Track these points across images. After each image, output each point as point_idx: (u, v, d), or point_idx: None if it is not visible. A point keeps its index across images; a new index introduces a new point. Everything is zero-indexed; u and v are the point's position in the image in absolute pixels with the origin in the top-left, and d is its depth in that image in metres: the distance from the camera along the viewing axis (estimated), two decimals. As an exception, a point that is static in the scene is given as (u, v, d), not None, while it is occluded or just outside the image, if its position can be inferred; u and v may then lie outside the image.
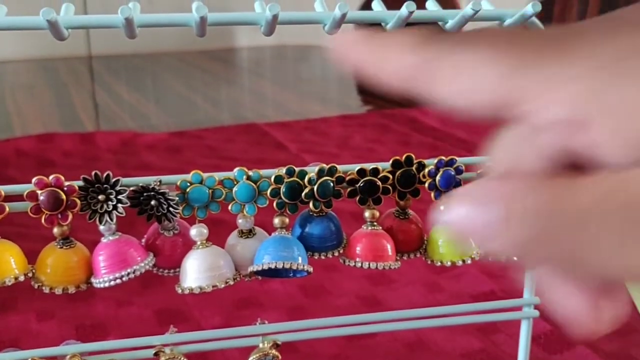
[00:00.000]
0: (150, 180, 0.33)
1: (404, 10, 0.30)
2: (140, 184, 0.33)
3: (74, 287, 0.34)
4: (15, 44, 2.20)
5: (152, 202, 0.33)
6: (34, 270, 0.34)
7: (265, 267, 0.34)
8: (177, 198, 0.33)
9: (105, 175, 0.32)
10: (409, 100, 0.18)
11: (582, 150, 0.15)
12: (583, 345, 0.49)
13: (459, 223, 0.16)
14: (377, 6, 0.32)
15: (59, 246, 0.34)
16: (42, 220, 0.32)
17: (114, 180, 0.32)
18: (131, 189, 0.33)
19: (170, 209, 0.33)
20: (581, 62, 0.15)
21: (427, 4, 0.32)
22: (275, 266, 0.33)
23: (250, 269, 0.34)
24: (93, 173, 0.32)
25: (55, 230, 0.33)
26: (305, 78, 1.99)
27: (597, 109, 0.15)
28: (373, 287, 0.59)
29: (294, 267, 0.34)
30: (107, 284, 0.33)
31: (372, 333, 0.51)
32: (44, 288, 0.33)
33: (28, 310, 0.55)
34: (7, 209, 0.32)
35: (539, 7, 0.31)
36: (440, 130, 1.17)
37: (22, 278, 0.33)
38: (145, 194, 0.33)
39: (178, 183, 0.33)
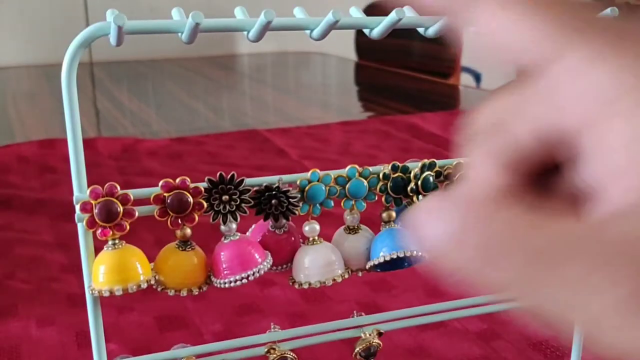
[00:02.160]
0: (271, 180, 0.34)
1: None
2: (265, 184, 0.33)
3: (197, 288, 0.34)
4: (17, 50, 2.21)
5: (273, 201, 0.33)
6: (155, 276, 0.33)
7: (387, 258, 0.35)
8: (298, 196, 0.34)
9: (229, 175, 0.33)
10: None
11: (568, 148, 0.14)
12: (584, 351, 0.49)
13: (418, 229, 0.15)
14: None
15: (180, 249, 0.34)
16: (168, 223, 0.33)
17: (237, 180, 0.33)
18: (254, 189, 0.33)
19: (290, 207, 0.34)
20: (623, 64, 0.13)
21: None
22: (397, 256, 0.35)
23: (370, 263, 0.36)
24: (218, 174, 0.33)
25: (178, 233, 0.33)
26: (306, 84, 1.99)
27: (626, 108, 0.13)
28: (373, 293, 0.59)
29: (412, 255, 0.35)
30: (231, 284, 0.33)
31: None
32: (168, 291, 0.34)
33: (28, 316, 0.55)
34: (137, 214, 0.32)
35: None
36: (440, 136, 1.17)
37: (144, 285, 0.32)
38: (267, 193, 0.33)
39: (298, 182, 0.34)
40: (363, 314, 0.39)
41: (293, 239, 0.36)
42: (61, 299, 0.58)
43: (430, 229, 0.15)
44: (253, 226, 0.37)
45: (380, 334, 0.39)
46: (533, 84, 0.15)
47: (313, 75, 2.18)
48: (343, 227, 0.37)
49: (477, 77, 2.60)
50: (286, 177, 0.34)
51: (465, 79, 2.57)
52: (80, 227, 0.32)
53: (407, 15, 0.32)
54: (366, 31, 0.33)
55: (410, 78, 1.95)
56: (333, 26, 0.30)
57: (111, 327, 0.54)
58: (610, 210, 0.13)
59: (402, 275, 0.62)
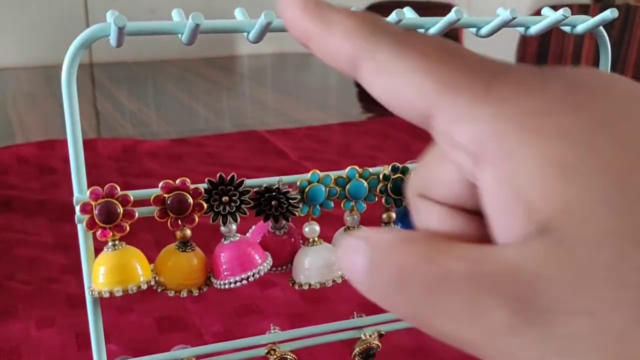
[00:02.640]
0: (271, 181, 0.34)
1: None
2: (265, 185, 0.33)
3: (196, 289, 0.34)
4: (17, 51, 2.21)
5: (273, 202, 0.33)
6: (155, 277, 0.33)
7: None
8: (298, 197, 0.34)
9: (229, 177, 0.33)
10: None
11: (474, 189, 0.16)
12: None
13: (339, 261, 0.17)
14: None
15: (180, 250, 0.34)
16: (169, 224, 0.32)
17: (237, 181, 0.33)
18: (254, 190, 0.33)
19: (290, 208, 0.34)
20: (500, 103, 0.14)
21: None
22: None
23: None
24: (218, 175, 0.32)
25: (178, 234, 0.33)
26: (306, 85, 1.99)
27: (495, 153, 0.14)
28: (373, 295, 0.59)
29: None
30: (231, 285, 0.33)
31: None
32: (168, 292, 0.34)
33: (28, 317, 0.55)
34: (137, 215, 0.32)
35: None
36: (440, 137, 1.17)
37: (144, 286, 0.32)
38: (267, 194, 0.33)
39: (298, 183, 0.34)
40: (363, 315, 0.39)
41: (293, 240, 0.36)
42: (61, 300, 0.58)
43: (346, 262, 0.16)
44: (253, 227, 0.37)
45: (381, 335, 0.39)
46: (437, 140, 0.16)
47: (313, 77, 2.18)
48: (343, 228, 0.37)
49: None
50: (286, 178, 0.34)
51: (465, 80, 2.57)
52: (80, 228, 0.32)
53: (407, 16, 0.32)
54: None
55: (410, 79, 1.95)
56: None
57: (111, 328, 0.54)
58: (494, 245, 0.15)
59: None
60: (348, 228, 0.37)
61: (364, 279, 0.16)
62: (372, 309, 0.56)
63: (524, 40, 2.27)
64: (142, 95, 1.77)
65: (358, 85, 1.96)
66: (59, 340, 0.52)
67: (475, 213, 0.18)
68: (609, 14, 0.32)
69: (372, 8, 1.96)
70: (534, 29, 0.34)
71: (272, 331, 0.38)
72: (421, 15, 0.33)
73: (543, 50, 2.19)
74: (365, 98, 1.76)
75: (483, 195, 0.15)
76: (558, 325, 0.13)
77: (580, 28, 0.35)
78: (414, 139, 1.16)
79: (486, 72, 0.15)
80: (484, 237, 0.17)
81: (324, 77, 2.14)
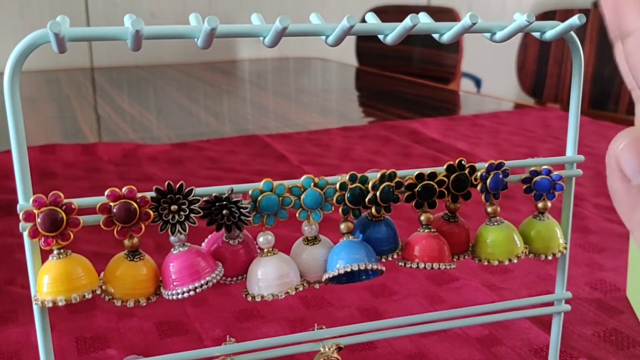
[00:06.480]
0: (222, 189, 0.33)
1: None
2: (214, 194, 0.33)
3: (144, 299, 0.33)
4: (18, 55, 2.21)
5: (224, 212, 0.33)
6: (102, 285, 0.33)
7: (342, 271, 0.34)
8: (249, 206, 0.33)
9: (178, 185, 0.32)
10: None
11: None
12: (585, 357, 0.49)
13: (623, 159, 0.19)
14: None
15: (128, 258, 0.33)
16: (115, 233, 0.32)
17: (186, 190, 0.32)
18: (204, 199, 0.33)
19: (242, 217, 0.33)
20: None
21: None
22: (351, 269, 0.34)
23: (326, 275, 0.35)
24: (166, 183, 0.32)
25: (126, 242, 0.33)
26: (307, 90, 1.99)
27: None
28: (374, 299, 0.58)
29: (369, 268, 0.34)
30: (179, 296, 0.33)
31: (373, 346, 0.51)
32: (115, 301, 0.33)
33: (28, 322, 0.55)
34: (82, 222, 0.32)
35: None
36: (441, 141, 1.17)
37: (89, 295, 0.32)
38: (217, 203, 0.33)
39: (250, 192, 0.33)
40: (324, 327, 0.38)
41: (250, 249, 0.35)
42: (61, 304, 0.58)
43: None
44: (210, 236, 0.36)
45: (339, 349, 0.38)
46: None
47: (313, 81, 2.18)
48: (302, 237, 0.36)
49: (478, 83, 2.61)
50: (237, 187, 0.33)
51: (466, 85, 2.57)
52: (26, 236, 0.32)
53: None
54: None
55: (410, 84, 1.95)
56: (282, 34, 0.30)
57: (111, 333, 0.54)
58: None
59: (402, 280, 0.62)
60: (306, 238, 0.36)
61: None
62: (372, 313, 0.56)
63: (525, 43, 2.27)
64: (143, 100, 1.77)
65: (359, 90, 1.96)
66: (58, 345, 0.52)
67: None
68: (577, 20, 0.32)
69: (373, 12, 1.96)
70: (499, 35, 0.33)
71: (228, 342, 0.37)
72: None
73: (544, 53, 2.19)
74: (365, 102, 1.76)
75: None
76: None
77: (549, 34, 0.34)
78: (414, 143, 1.16)
79: None
80: None
81: (325, 82, 2.14)
